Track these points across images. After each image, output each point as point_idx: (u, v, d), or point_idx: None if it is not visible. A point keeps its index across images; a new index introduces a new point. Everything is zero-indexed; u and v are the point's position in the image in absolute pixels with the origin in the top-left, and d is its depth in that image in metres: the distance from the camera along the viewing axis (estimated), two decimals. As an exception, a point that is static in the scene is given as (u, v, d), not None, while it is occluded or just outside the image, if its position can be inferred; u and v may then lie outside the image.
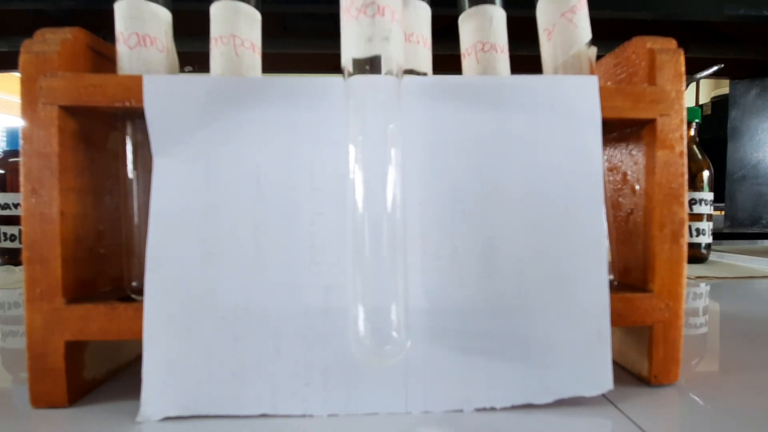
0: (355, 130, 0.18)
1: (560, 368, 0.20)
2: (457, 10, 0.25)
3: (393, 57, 0.18)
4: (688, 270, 0.22)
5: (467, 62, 0.24)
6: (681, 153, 0.22)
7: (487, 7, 0.23)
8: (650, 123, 0.22)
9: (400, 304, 0.18)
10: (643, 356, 0.23)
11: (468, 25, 0.24)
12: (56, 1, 0.69)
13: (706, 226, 0.64)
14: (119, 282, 0.24)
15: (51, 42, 0.20)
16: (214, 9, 0.22)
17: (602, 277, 0.21)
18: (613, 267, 0.23)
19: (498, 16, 0.24)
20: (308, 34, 0.83)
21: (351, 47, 0.18)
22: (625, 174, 0.25)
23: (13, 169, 0.61)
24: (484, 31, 0.23)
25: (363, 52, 0.18)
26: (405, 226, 0.19)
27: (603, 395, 0.21)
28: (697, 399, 0.21)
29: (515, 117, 0.21)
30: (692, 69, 0.95)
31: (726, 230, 1.03)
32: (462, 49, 0.24)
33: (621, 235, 0.25)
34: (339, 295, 0.20)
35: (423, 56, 0.23)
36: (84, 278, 0.22)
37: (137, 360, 0.24)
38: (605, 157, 0.27)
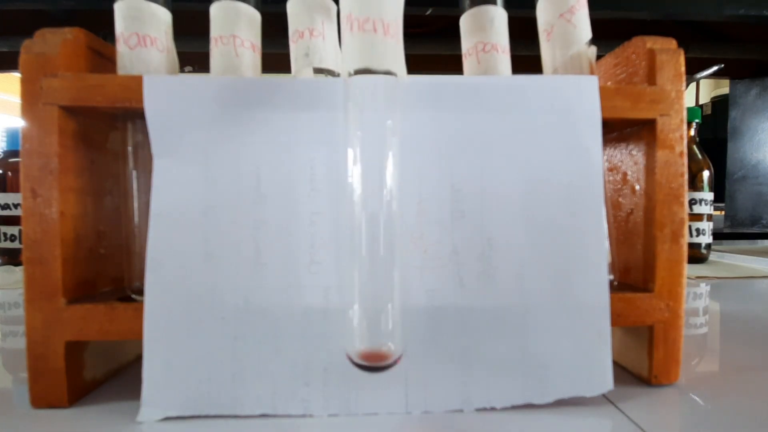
0: (353, 126, 0.19)
1: (560, 368, 0.20)
2: (459, 11, 0.24)
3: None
4: (688, 270, 0.22)
5: (468, 63, 0.24)
6: (681, 153, 0.22)
7: (488, 7, 0.23)
8: (650, 123, 0.22)
9: (395, 307, 0.18)
10: (643, 356, 0.23)
11: (469, 25, 0.24)
12: (56, 1, 0.69)
13: (706, 226, 0.64)
14: (119, 282, 0.24)
15: (51, 42, 0.20)
16: (214, 9, 0.22)
17: (602, 277, 0.21)
18: (613, 267, 0.23)
19: (499, 16, 0.24)
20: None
21: (349, 60, 0.19)
22: (625, 174, 0.25)
23: (13, 169, 0.61)
24: (484, 31, 0.23)
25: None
26: (400, 220, 0.19)
27: (603, 395, 0.21)
28: (697, 399, 0.21)
29: (515, 117, 0.21)
30: (692, 69, 0.95)
31: (726, 230, 1.03)
32: (463, 49, 0.24)
33: (621, 235, 0.25)
34: (339, 295, 0.20)
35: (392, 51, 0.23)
36: (84, 278, 0.22)
37: (137, 360, 0.24)
38: (605, 157, 0.27)
